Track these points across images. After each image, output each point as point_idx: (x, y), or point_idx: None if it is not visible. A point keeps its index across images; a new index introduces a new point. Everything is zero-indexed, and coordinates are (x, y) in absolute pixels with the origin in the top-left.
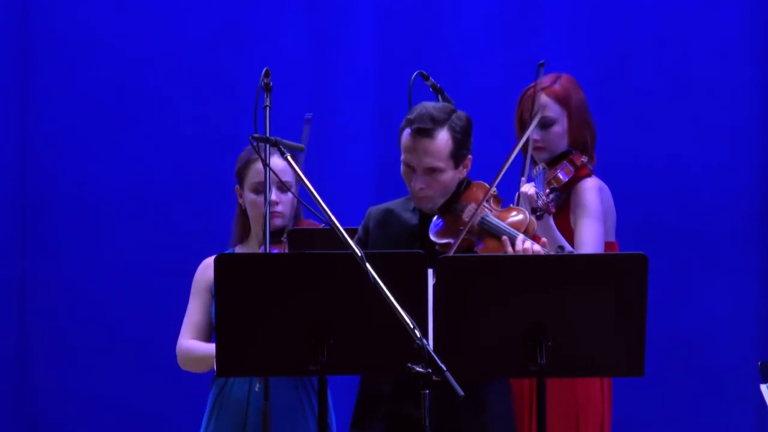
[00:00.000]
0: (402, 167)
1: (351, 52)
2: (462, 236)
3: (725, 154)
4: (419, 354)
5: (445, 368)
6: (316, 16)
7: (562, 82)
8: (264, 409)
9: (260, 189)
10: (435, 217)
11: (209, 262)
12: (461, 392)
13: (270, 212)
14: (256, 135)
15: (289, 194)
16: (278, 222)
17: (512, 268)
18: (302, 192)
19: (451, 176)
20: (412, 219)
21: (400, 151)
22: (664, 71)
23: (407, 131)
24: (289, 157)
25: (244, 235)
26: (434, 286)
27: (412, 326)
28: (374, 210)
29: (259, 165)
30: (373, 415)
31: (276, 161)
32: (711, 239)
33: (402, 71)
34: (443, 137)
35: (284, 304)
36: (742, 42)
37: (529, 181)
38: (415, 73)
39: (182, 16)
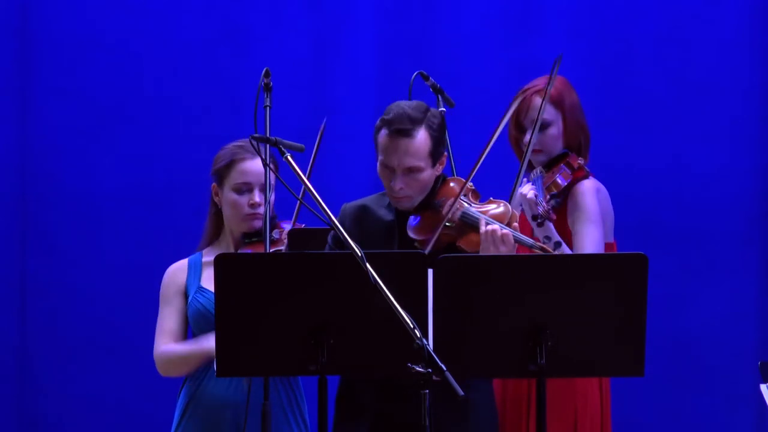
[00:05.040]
0: (379, 168)
1: (351, 52)
2: (440, 230)
3: (725, 155)
4: (419, 354)
5: (445, 368)
6: (316, 16)
7: (555, 83)
8: (264, 408)
9: (243, 189)
10: (412, 215)
11: (177, 266)
12: (461, 392)
13: (252, 213)
14: (256, 135)
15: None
16: (258, 224)
17: (512, 268)
18: (299, 191)
19: (429, 175)
20: (388, 215)
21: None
22: (664, 71)
23: (384, 132)
24: (289, 157)
25: (216, 236)
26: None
27: (412, 326)
28: (348, 207)
29: (244, 166)
30: (358, 416)
31: (258, 162)
32: (711, 239)
33: (402, 71)
34: (422, 136)
35: (284, 304)
36: (742, 42)
37: (528, 183)
38: (415, 73)
39: (182, 16)
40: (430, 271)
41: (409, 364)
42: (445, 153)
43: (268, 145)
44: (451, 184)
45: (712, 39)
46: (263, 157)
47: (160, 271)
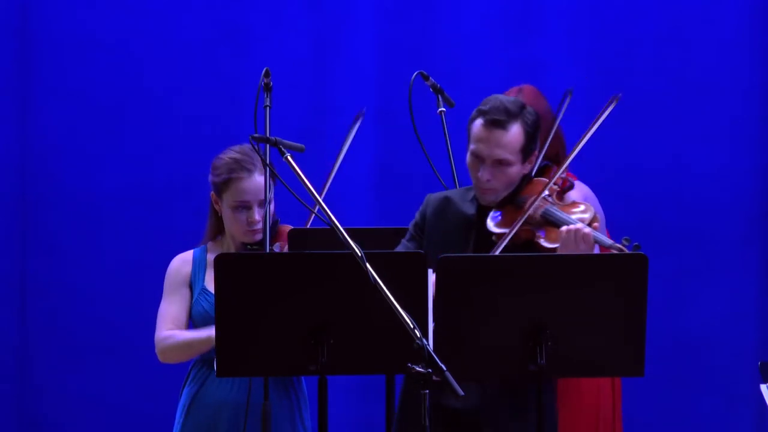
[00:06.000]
0: (469, 157)
1: (351, 52)
2: (519, 224)
3: (725, 155)
4: (419, 354)
5: (445, 368)
6: (316, 16)
7: (523, 97)
8: (264, 409)
9: (241, 207)
10: (494, 210)
11: (183, 257)
12: (461, 392)
13: (251, 230)
14: (256, 135)
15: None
16: (259, 237)
17: (512, 268)
18: (302, 192)
19: (517, 170)
20: (470, 209)
21: (469, 141)
22: (664, 71)
23: (479, 121)
24: (289, 158)
25: (217, 233)
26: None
27: (412, 326)
28: (433, 197)
29: (242, 185)
30: (417, 407)
31: (256, 179)
32: (711, 239)
33: (402, 71)
34: (516, 130)
35: (284, 304)
36: (742, 42)
37: None
38: (415, 73)
39: (182, 16)
40: (430, 271)
41: (409, 364)
42: (536, 152)
43: (268, 145)
44: (536, 184)
45: (712, 39)
46: (263, 157)
47: (160, 272)
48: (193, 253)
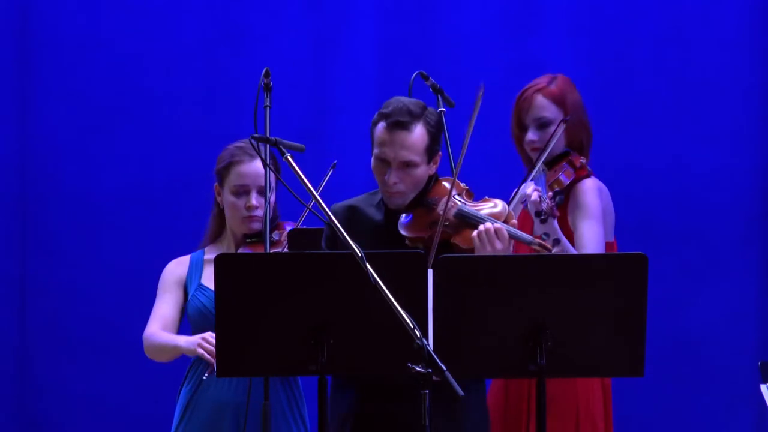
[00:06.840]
0: (374, 162)
1: (351, 52)
2: (440, 228)
3: (725, 155)
4: (419, 354)
5: (445, 368)
6: (316, 16)
7: (558, 82)
8: (264, 408)
9: (241, 192)
10: (404, 214)
11: (179, 260)
12: (461, 392)
13: (250, 216)
14: (256, 135)
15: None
16: (256, 226)
17: (512, 268)
18: (302, 192)
19: (423, 171)
20: (377, 215)
21: (372, 146)
22: (664, 71)
23: (382, 124)
24: (289, 157)
25: (218, 234)
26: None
27: (412, 326)
28: (338, 207)
29: (241, 168)
30: (340, 413)
31: (257, 164)
32: (711, 239)
33: (402, 71)
34: (419, 131)
35: (284, 304)
36: (742, 42)
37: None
38: (415, 73)
39: (182, 16)
40: (430, 271)
41: (409, 364)
42: (440, 152)
43: (268, 145)
44: (444, 184)
45: (712, 39)
46: (263, 157)
47: (159, 272)
48: (190, 257)
